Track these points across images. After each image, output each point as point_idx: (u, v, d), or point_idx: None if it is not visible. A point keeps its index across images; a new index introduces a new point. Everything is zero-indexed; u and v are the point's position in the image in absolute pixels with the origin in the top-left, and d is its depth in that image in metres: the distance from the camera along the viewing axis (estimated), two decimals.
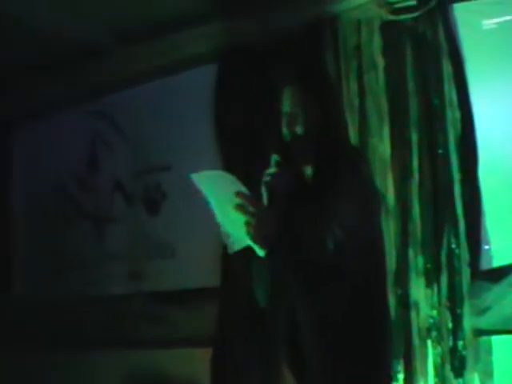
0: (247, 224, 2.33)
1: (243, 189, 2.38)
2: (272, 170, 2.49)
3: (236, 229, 2.38)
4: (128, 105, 5.82)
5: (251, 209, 2.33)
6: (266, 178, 2.47)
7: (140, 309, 5.49)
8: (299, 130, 2.56)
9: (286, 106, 2.61)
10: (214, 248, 4.77)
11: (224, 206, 2.38)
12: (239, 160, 5.02)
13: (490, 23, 4.17)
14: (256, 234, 2.33)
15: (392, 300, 4.15)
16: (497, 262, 4.10)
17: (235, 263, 4.53)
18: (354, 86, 4.59)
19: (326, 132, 2.58)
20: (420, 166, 4.31)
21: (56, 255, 6.14)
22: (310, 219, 2.45)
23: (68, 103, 6.13)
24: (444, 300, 4.12)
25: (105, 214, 5.96)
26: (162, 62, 5.50)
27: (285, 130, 2.59)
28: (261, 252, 2.36)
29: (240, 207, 2.34)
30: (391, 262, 4.25)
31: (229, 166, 5.07)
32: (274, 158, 2.50)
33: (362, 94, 4.57)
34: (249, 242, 2.38)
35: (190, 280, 5.32)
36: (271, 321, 2.70)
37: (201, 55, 5.34)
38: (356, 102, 4.57)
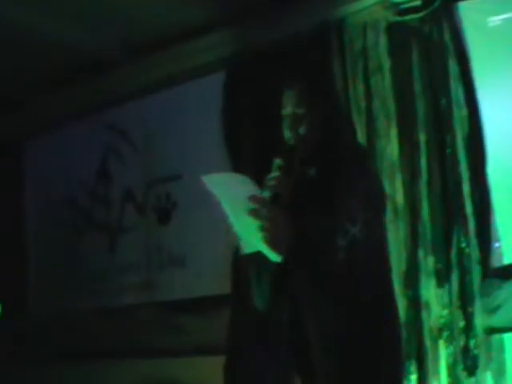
0: (261, 229, 2.25)
1: (257, 190, 2.31)
2: (273, 174, 2.41)
3: (248, 233, 2.32)
4: (138, 115, 5.84)
5: (266, 213, 2.27)
6: (268, 183, 2.39)
7: (152, 318, 5.49)
8: (302, 130, 2.51)
9: (288, 107, 2.56)
10: (224, 256, 4.77)
11: (237, 209, 2.32)
12: (249, 168, 5.01)
13: (494, 21, 4.17)
14: (271, 238, 2.26)
15: (403, 301, 4.14)
16: (507, 260, 4.07)
17: (245, 271, 4.51)
18: (360, 88, 4.59)
19: (330, 132, 2.55)
20: (428, 165, 4.30)
21: (68, 266, 6.15)
22: (320, 221, 2.41)
23: (78, 116, 6.16)
24: (455, 299, 4.09)
25: (116, 224, 5.98)
26: (170, 72, 5.53)
27: (287, 133, 2.54)
28: (275, 257, 2.30)
29: (254, 212, 2.26)
30: (401, 263, 4.24)
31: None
32: (276, 162, 2.43)
33: (368, 96, 4.57)
34: (260, 247, 2.30)
35: (201, 288, 5.31)
36: (275, 328, 2.66)
37: (209, 64, 5.37)
38: (363, 104, 4.57)
